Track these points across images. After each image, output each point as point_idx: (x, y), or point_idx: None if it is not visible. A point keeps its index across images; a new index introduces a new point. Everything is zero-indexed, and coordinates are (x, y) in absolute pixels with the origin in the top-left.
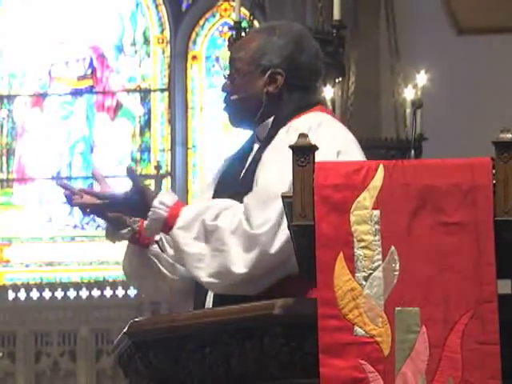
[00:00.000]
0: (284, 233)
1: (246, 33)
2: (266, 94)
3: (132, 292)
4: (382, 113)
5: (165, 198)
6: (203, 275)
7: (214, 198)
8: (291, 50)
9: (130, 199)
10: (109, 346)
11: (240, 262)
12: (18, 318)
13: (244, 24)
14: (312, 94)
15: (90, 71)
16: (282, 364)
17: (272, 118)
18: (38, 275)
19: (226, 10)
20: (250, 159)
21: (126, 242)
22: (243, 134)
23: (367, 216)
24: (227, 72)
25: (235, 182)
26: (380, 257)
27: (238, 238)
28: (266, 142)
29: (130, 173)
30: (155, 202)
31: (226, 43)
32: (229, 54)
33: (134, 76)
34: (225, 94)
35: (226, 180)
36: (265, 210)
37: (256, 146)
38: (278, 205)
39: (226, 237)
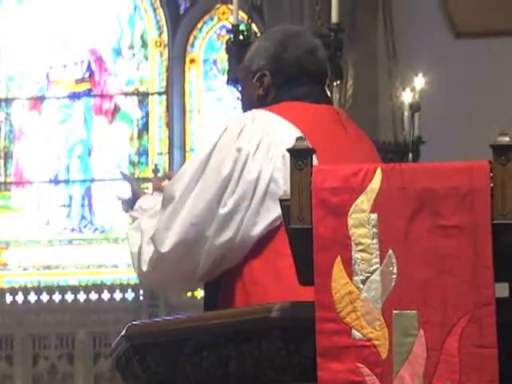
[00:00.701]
0: (175, 233)
1: (244, 36)
2: (257, 98)
3: (130, 295)
4: (379, 116)
5: (142, 202)
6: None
7: None
8: (274, 49)
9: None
10: (106, 349)
11: (143, 262)
12: (15, 321)
13: (242, 27)
14: (295, 90)
15: (88, 74)
16: (280, 367)
17: None
18: (35, 278)
19: (224, 13)
20: None
21: (123, 245)
22: None
23: (365, 219)
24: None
25: None
26: (378, 260)
27: (146, 240)
28: None
29: (125, 177)
30: (136, 205)
31: (224, 46)
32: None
33: (132, 79)
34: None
35: None
36: (161, 212)
37: None
38: (170, 207)
39: (143, 239)
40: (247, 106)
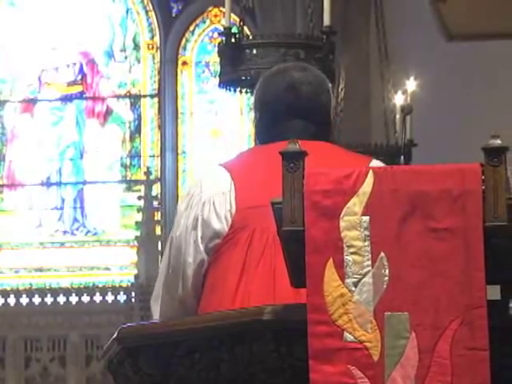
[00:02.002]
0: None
1: (236, 39)
2: (255, 133)
3: (122, 297)
4: (371, 118)
5: None
6: None
7: None
8: (260, 90)
9: None
10: (98, 351)
11: None
12: (7, 324)
13: (234, 30)
14: (275, 128)
15: (80, 77)
16: (272, 370)
17: None
18: (27, 281)
19: (216, 15)
20: None
21: (115, 248)
22: (232, 140)
23: (357, 222)
24: None
25: None
26: (370, 262)
27: None
28: None
29: None
30: None
31: (216, 49)
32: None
33: (124, 82)
34: None
35: None
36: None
37: None
38: (159, 282)
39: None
40: None
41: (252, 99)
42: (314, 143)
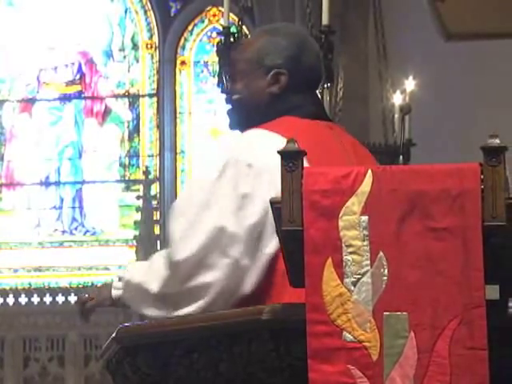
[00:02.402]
0: (190, 246)
1: (234, 38)
2: (270, 95)
3: None
4: (370, 118)
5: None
6: None
7: None
8: (294, 50)
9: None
10: (97, 351)
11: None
12: (6, 323)
13: (233, 29)
14: (295, 96)
15: (78, 76)
16: (271, 369)
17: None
18: (26, 280)
19: (214, 15)
20: None
21: (114, 247)
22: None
23: (356, 221)
24: (227, 74)
25: None
26: (368, 262)
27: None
28: None
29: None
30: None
31: (215, 49)
32: (231, 55)
33: (123, 81)
34: (226, 97)
35: None
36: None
37: None
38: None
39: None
40: (252, 98)
41: (262, 48)
42: (329, 123)
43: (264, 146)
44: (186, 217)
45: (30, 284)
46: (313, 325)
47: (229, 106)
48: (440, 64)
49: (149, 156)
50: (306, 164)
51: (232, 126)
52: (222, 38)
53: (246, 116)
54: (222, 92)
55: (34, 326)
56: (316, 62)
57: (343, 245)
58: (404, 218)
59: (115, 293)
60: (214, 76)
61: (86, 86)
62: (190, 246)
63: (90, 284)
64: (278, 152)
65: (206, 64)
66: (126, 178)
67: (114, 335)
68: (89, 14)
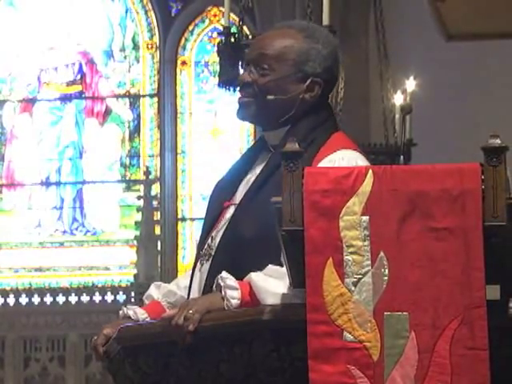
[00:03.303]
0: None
1: (235, 38)
2: (302, 101)
3: (121, 297)
4: (371, 118)
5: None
6: None
7: (209, 205)
8: (332, 62)
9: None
10: None
11: None
12: (6, 323)
13: (233, 29)
14: (327, 109)
15: (79, 77)
16: (271, 369)
17: (287, 127)
18: (27, 280)
19: (215, 15)
20: (260, 167)
21: (114, 247)
22: (232, 140)
23: (356, 221)
24: (250, 63)
25: (232, 187)
26: (369, 262)
27: None
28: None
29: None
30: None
31: (216, 49)
32: (254, 43)
33: (124, 81)
34: (244, 85)
35: (222, 186)
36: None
37: (264, 153)
38: None
39: None
40: (284, 101)
41: (303, 52)
42: None
43: None
44: None
45: (30, 284)
46: (313, 325)
47: (245, 94)
48: (441, 64)
49: (149, 156)
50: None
51: (243, 117)
52: (223, 38)
53: (267, 114)
54: (242, 80)
55: (35, 326)
56: (339, 72)
57: (344, 245)
58: (405, 218)
59: (234, 302)
60: (214, 76)
61: (86, 86)
62: None
63: (90, 284)
64: (280, 152)
65: (206, 64)
66: (127, 178)
67: (114, 335)
68: (89, 14)
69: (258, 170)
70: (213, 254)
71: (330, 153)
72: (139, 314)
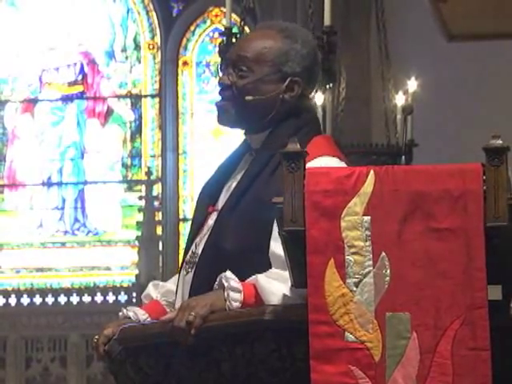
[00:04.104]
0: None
1: (236, 39)
2: (281, 101)
3: (122, 298)
4: (372, 119)
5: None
6: None
7: (195, 209)
8: (311, 61)
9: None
10: None
11: None
12: (8, 324)
13: (235, 30)
14: (309, 111)
15: (80, 77)
16: (273, 370)
17: (268, 131)
18: (28, 281)
19: (216, 15)
20: (242, 172)
21: (116, 248)
22: (233, 140)
23: (358, 222)
24: (225, 65)
25: (216, 191)
26: (371, 263)
27: None
28: (260, 158)
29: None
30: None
31: (217, 49)
32: (235, 46)
33: (125, 82)
34: (223, 88)
35: (208, 189)
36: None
37: (247, 157)
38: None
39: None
40: (264, 101)
41: (282, 54)
42: None
43: None
44: None
45: (32, 284)
46: (315, 325)
47: (223, 97)
48: (442, 64)
49: (151, 156)
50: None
51: (223, 122)
52: (224, 38)
53: (247, 116)
54: (223, 83)
55: (36, 327)
56: (319, 71)
57: (345, 245)
58: (406, 218)
59: (236, 304)
60: (215, 76)
61: (88, 87)
62: None
63: (92, 284)
64: (281, 153)
65: (208, 64)
66: (128, 179)
67: (116, 336)
68: (91, 15)
69: (239, 172)
70: (196, 262)
71: (309, 160)
72: (139, 314)
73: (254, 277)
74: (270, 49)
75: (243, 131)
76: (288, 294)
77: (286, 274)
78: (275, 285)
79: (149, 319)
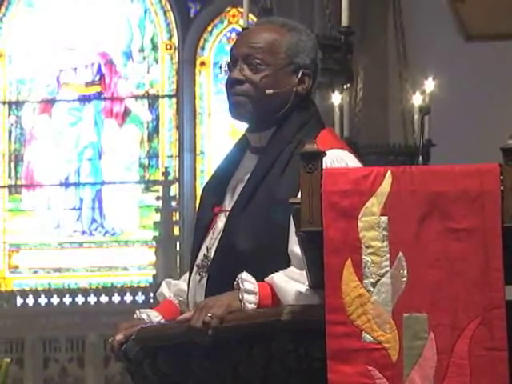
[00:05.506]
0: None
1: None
2: (296, 94)
3: (140, 298)
4: (390, 119)
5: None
6: None
7: (199, 210)
8: (315, 53)
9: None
10: None
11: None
12: (26, 324)
13: None
14: (313, 104)
15: (98, 77)
16: (290, 370)
17: (273, 128)
18: (46, 281)
19: (234, 16)
20: (245, 169)
21: (133, 248)
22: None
23: (375, 222)
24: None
25: (221, 191)
26: (388, 263)
27: None
28: (268, 157)
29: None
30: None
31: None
32: (240, 40)
33: (143, 82)
34: (235, 82)
35: (211, 190)
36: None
37: (249, 155)
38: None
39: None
40: (280, 94)
41: (293, 45)
42: None
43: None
44: None
45: (49, 285)
46: (332, 326)
47: (236, 92)
48: (460, 64)
49: (168, 157)
50: None
51: (238, 116)
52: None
53: (264, 110)
54: (235, 78)
55: (54, 327)
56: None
57: (363, 245)
58: (424, 218)
59: (251, 306)
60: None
61: (105, 87)
62: None
63: (109, 285)
64: (298, 154)
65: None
66: (146, 179)
67: (134, 336)
68: (108, 15)
69: (243, 172)
70: (209, 266)
71: None
72: (152, 316)
73: (270, 276)
74: (280, 41)
75: (246, 128)
76: (305, 293)
77: (302, 273)
78: (292, 284)
79: (162, 321)
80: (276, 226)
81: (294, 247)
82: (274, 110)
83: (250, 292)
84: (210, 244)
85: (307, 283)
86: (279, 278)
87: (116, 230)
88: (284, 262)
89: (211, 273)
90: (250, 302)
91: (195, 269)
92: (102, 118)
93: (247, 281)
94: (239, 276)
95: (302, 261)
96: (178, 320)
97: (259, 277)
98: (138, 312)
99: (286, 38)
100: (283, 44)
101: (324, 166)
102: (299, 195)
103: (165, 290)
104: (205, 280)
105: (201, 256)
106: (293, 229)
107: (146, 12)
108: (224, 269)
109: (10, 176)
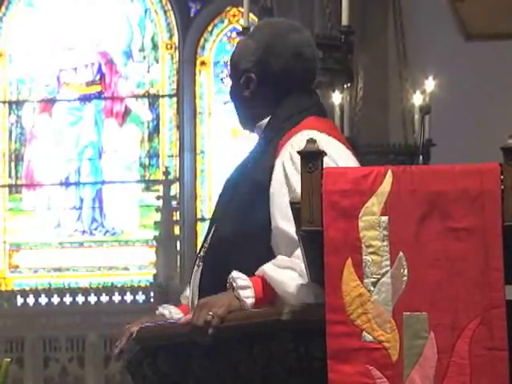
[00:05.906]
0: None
1: None
2: (244, 100)
3: (140, 297)
4: (390, 118)
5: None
6: None
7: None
8: (261, 53)
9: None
10: None
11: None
12: (26, 324)
13: None
14: (304, 98)
15: (98, 77)
16: (290, 370)
17: (268, 118)
18: (46, 280)
19: (234, 15)
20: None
21: (134, 248)
22: (251, 139)
23: (375, 222)
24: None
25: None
26: (388, 262)
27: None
28: (261, 145)
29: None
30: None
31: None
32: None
33: (143, 82)
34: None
35: (226, 185)
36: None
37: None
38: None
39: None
40: (235, 102)
41: (238, 52)
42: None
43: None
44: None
45: (49, 284)
46: (332, 325)
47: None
48: (460, 64)
49: (168, 156)
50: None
51: (242, 127)
52: (242, 38)
53: (242, 119)
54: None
55: (54, 327)
56: (293, 61)
57: (363, 245)
58: (424, 218)
59: (250, 301)
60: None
61: (105, 87)
62: None
63: (109, 284)
64: (298, 152)
65: (225, 64)
66: (146, 179)
67: (134, 336)
68: (109, 15)
69: None
70: (204, 255)
71: (293, 135)
72: (174, 313)
73: (260, 269)
74: (235, 53)
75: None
76: (297, 280)
77: (292, 260)
78: (283, 273)
79: (183, 319)
80: (255, 205)
81: (279, 222)
82: (246, 117)
83: (244, 288)
84: (211, 236)
85: (299, 269)
86: (269, 269)
87: (116, 229)
88: (269, 246)
89: (205, 261)
90: (248, 296)
91: (196, 260)
92: (103, 118)
93: (239, 278)
94: (230, 276)
95: (292, 237)
96: (181, 322)
97: (245, 263)
98: (160, 308)
99: (238, 46)
100: (234, 53)
101: (295, 145)
102: (273, 177)
103: (188, 292)
104: (200, 270)
105: (202, 248)
106: (276, 204)
107: (146, 11)
108: (213, 257)
109: (10, 175)
